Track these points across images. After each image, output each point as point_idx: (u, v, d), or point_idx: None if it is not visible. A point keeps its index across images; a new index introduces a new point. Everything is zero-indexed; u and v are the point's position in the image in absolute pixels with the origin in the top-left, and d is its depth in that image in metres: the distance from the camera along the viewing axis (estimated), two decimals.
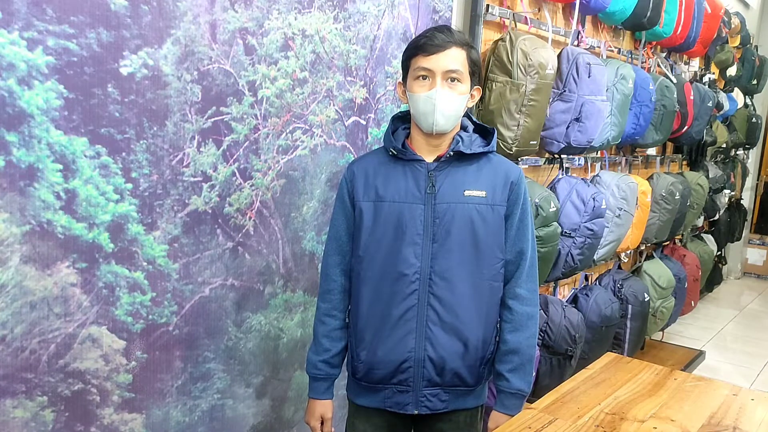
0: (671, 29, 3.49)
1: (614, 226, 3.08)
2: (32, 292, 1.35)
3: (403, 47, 2.15)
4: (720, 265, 5.76)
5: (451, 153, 1.55)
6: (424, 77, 1.50)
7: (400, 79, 1.59)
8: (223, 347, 1.79)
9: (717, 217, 5.10)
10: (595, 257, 2.99)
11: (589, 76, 2.65)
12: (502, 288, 1.60)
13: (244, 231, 1.79)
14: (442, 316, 1.54)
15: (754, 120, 5.52)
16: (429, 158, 1.56)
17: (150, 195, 1.54)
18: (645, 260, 3.92)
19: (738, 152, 5.79)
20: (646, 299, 3.49)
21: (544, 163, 2.94)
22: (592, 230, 2.80)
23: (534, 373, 1.78)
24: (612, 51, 3.32)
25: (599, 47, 3.16)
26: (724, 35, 4.37)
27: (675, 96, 3.52)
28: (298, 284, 1.99)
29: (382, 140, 1.63)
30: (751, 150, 6.11)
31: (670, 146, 4.42)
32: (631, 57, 3.52)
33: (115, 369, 1.53)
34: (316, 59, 1.89)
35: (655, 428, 1.36)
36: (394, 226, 1.54)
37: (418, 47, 1.51)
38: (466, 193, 1.54)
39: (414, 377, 1.57)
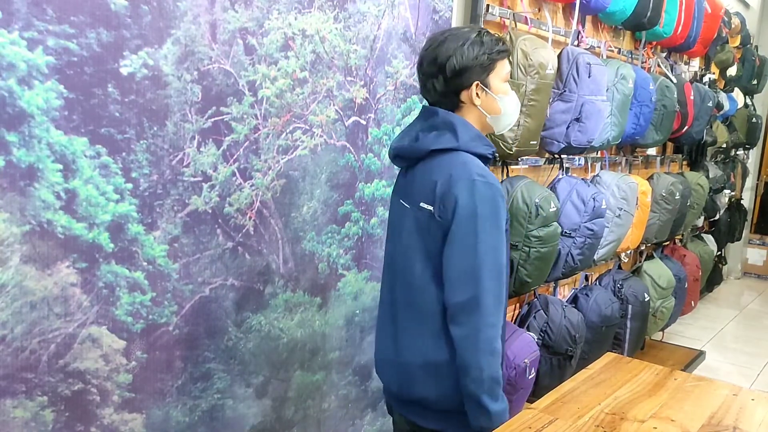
0: (671, 29, 3.49)
1: (614, 226, 3.08)
2: (32, 292, 1.35)
3: (404, 47, 2.16)
4: (720, 265, 5.76)
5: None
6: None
7: (479, 81, 1.50)
8: (223, 347, 1.79)
9: (717, 217, 5.09)
10: (595, 257, 2.99)
11: (589, 76, 2.65)
12: None
13: (244, 231, 1.79)
14: None
15: (754, 120, 5.51)
16: None
17: (150, 195, 1.54)
18: (645, 260, 3.92)
19: (738, 152, 5.78)
20: (646, 299, 3.49)
21: (544, 163, 2.94)
22: (592, 230, 2.80)
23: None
24: (612, 51, 3.32)
25: (599, 47, 3.16)
26: (724, 35, 4.37)
27: (675, 96, 3.52)
28: (298, 284, 1.99)
29: (469, 145, 1.50)
30: (751, 150, 6.11)
31: (670, 146, 4.41)
32: (632, 57, 3.52)
33: (115, 369, 1.53)
34: (316, 59, 1.89)
35: (656, 428, 1.36)
36: None
37: (504, 51, 1.53)
38: None
39: None
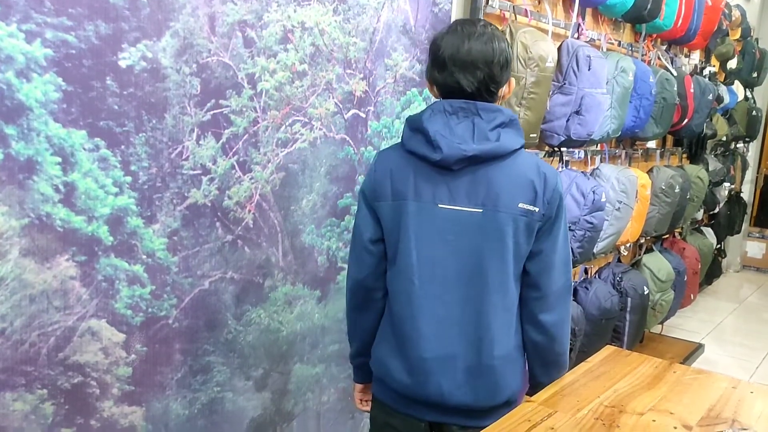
0: (671, 22, 3.48)
1: (614, 219, 3.08)
2: (32, 285, 1.35)
3: (403, 40, 2.15)
4: (719, 258, 5.76)
5: None
6: None
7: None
8: (223, 340, 1.79)
9: (717, 210, 5.09)
10: (594, 250, 2.99)
11: (589, 69, 2.64)
12: None
13: (243, 224, 1.79)
14: None
15: (754, 113, 5.50)
16: None
17: (149, 188, 1.54)
18: (644, 253, 3.92)
19: (738, 145, 5.78)
20: (645, 292, 3.49)
21: (544, 156, 2.94)
22: (591, 223, 2.80)
23: None
24: (612, 43, 3.31)
25: (599, 40, 3.15)
26: (724, 28, 4.36)
27: (675, 89, 3.51)
28: (297, 277, 1.99)
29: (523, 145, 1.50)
30: (751, 143, 6.10)
31: (670, 139, 4.41)
32: (632, 50, 3.51)
33: (114, 362, 1.53)
34: (316, 52, 1.88)
35: (654, 421, 1.36)
36: None
37: None
38: None
39: None
